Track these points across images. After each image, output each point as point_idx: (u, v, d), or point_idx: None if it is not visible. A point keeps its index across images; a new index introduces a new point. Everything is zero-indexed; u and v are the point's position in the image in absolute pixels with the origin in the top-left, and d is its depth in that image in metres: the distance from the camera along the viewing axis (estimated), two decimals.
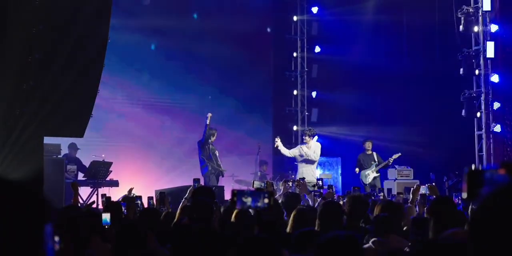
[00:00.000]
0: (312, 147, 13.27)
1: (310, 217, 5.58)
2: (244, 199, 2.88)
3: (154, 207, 7.94)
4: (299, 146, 13.89)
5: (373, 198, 9.05)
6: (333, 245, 3.16)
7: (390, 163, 14.51)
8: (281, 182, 10.05)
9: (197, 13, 17.32)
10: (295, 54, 18.52)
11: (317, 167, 14.04)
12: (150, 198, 8.37)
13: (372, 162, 14.55)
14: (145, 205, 8.09)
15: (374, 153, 14.72)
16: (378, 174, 14.53)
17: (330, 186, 9.30)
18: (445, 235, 2.55)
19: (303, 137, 13.75)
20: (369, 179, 14.43)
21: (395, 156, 14.37)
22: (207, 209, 5.27)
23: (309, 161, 13.24)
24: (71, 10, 5.91)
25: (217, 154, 13.23)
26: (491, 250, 1.40)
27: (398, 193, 11.17)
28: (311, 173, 13.07)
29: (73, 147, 13.60)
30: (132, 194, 8.87)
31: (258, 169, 16.07)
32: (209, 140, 13.14)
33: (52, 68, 5.64)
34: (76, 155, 13.65)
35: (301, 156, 13.28)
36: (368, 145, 14.77)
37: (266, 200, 2.86)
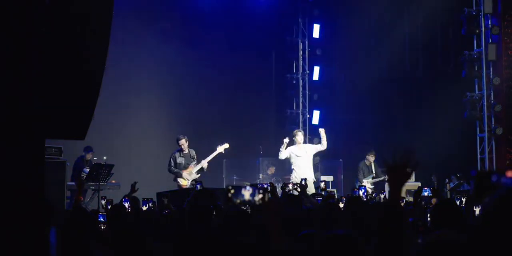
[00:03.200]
0: (304, 146, 13.21)
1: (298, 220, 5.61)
2: (240, 196, 2.84)
3: (153, 209, 7.90)
4: (289, 148, 13.54)
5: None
6: (333, 242, 3.16)
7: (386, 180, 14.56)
8: (281, 185, 9.99)
9: (200, 17, 17.30)
10: (296, 57, 18.51)
11: (318, 170, 13.96)
12: (150, 201, 8.31)
13: (370, 174, 14.66)
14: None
15: (373, 165, 14.78)
16: (373, 186, 14.53)
17: (328, 192, 9.28)
18: (433, 236, 2.55)
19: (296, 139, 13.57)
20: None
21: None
22: (206, 213, 5.25)
23: (304, 160, 13.07)
24: (73, 11, 5.90)
25: (189, 161, 12.80)
26: (498, 252, 1.40)
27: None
28: (308, 171, 12.92)
29: (87, 150, 13.60)
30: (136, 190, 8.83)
31: (263, 172, 16.05)
32: (180, 148, 12.87)
33: (53, 70, 5.63)
34: (91, 158, 13.65)
35: (298, 156, 13.09)
36: (369, 157, 14.79)
37: (260, 196, 2.83)
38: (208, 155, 12.90)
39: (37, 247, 1.71)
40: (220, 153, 12.99)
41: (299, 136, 13.22)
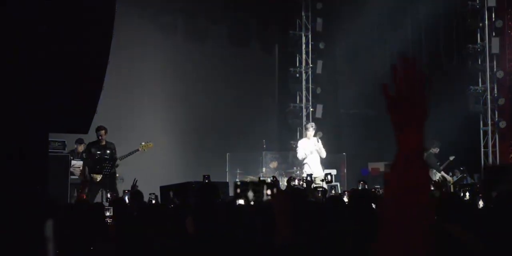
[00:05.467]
0: (314, 142, 13.06)
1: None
2: (248, 192, 2.82)
3: (157, 203, 7.92)
4: (301, 143, 13.46)
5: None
6: (338, 236, 3.17)
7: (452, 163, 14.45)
8: (286, 179, 9.99)
9: (203, 11, 17.26)
10: (299, 50, 18.49)
11: (321, 163, 13.88)
12: (152, 195, 8.35)
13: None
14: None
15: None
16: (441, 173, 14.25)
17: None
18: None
19: (306, 133, 13.48)
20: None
21: (452, 158, 14.33)
22: (213, 208, 5.24)
23: (315, 155, 12.98)
24: (75, 7, 5.90)
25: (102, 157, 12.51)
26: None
27: None
28: (319, 167, 12.84)
29: (79, 142, 13.60)
30: (137, 186, 8.87)
31: (266, 166, 16.04)
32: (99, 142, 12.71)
33: (56, 66, 5.63)
34: (82, 150, 13.62)
35: (311, 152, 12.99)
36: (434, 150, 14.37)
37: (268, 192, 2.82)
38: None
39: (36, 239, 1.71)
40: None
41: (310, 130, 13.10)
